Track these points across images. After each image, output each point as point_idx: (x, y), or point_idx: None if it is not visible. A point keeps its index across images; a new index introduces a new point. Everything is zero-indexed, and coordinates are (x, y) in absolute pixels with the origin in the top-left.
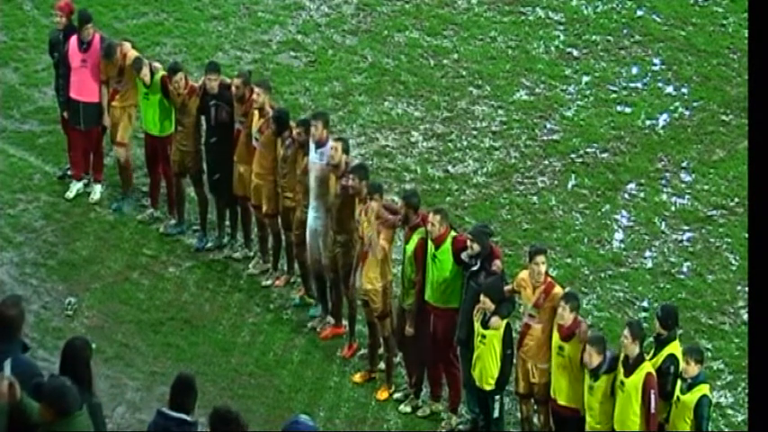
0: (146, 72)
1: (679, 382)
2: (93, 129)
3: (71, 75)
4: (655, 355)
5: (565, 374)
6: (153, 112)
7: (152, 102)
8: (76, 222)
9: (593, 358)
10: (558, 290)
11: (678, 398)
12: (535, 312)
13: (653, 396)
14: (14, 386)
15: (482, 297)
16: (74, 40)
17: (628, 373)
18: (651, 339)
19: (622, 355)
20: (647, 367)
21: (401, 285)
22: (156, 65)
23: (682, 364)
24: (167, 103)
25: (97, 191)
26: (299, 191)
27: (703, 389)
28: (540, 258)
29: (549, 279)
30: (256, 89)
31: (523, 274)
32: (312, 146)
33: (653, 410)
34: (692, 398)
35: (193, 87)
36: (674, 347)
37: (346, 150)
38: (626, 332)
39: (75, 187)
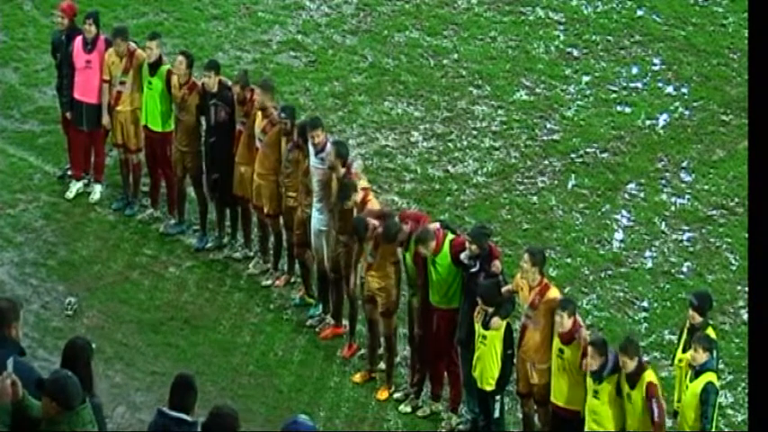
0: (152, 45)
1: (689, 371)
2: (97, 130)
3: (75, 76)
4: (691, 346)
5: (565, 377)
6: (154, 105)
7: (154, 93)
8: (77, 222)
9: (595, 360)
10: (553, 291)
11: (687, 387)
12: (531, 314)
13: (655, 405)
14: (17, 384)
15: (479, 301)
16: (79, 40)
17: (632, 386)
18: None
19: (624, 371)
20: (648, 377)
21: (408, 286)
22: (164, 59)
23: (690, 352)
24: (169, 97)
25: (97, 191)
26: (301, 190)
27: (709, 376)
28: (525, 257)
29: (545, 281)
30: (256, 90)
31: (519, 275)
32: (312, 150)
33: (656, 419)
34: (697, 386)
35: (194, 83)
36: (711, 333)
37: (343, 153)
38: (622, 356)
39: (75, 187)
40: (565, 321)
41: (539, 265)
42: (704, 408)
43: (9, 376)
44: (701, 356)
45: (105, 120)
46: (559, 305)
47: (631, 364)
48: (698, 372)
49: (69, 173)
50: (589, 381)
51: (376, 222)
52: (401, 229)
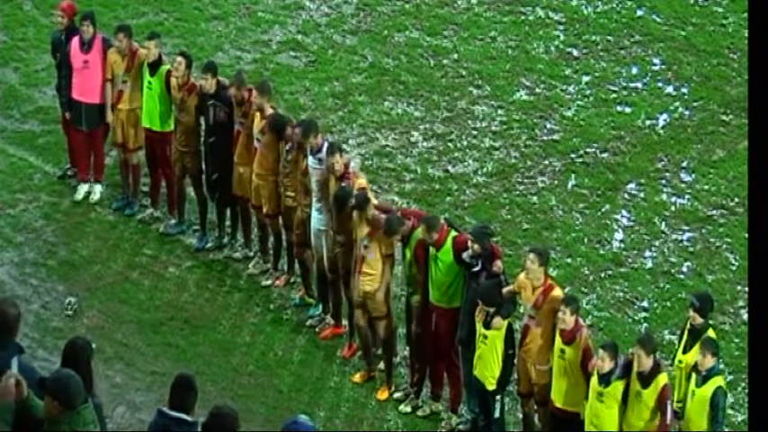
0: (150, 45)
1: (694, 376)
2: (95, 130)
3: (73, 76)
4: (692, 347)
5: (565, 378)
6: (153, 105)
7: (153, 93)
8: (77, 222)
9: (606, 363)
10: (557, 292)
11: (693, 392)
12: (534, 314)
13: (669, 407)
14: (21, 384)
15: (479, 302)
16: (75, 41)
17: (645, 385)
18: (683, 331)
19: (637, 369)
20: (664, 379)
21: (406, 285)
22: (164, 59)
23: (698, 356)
24: (168, 98)
25: (97, 191)
26: (300, 190)
27: (718, 380)
28: (531, 256)
29: (549, 281)
30: (254, 90)
31: (523, 275)
32: (308, 150)
33: (668, 422)
34: (707, 391)
35: (194, 84)
36: (711, 335)
37: (340, 151)
38: (639, 350)
39: (83, 189)
40: (567, 318)
41: (545, 265)
42: (716, 412)
43: (13, 376)
44: (709, 361)
45: (110, 118)
46: (562, 302)
47: (647, 362)
48: (705, 377)
49: (70, 173)
50: (594, 383)
51: (377, 212)
52: (404, 223)
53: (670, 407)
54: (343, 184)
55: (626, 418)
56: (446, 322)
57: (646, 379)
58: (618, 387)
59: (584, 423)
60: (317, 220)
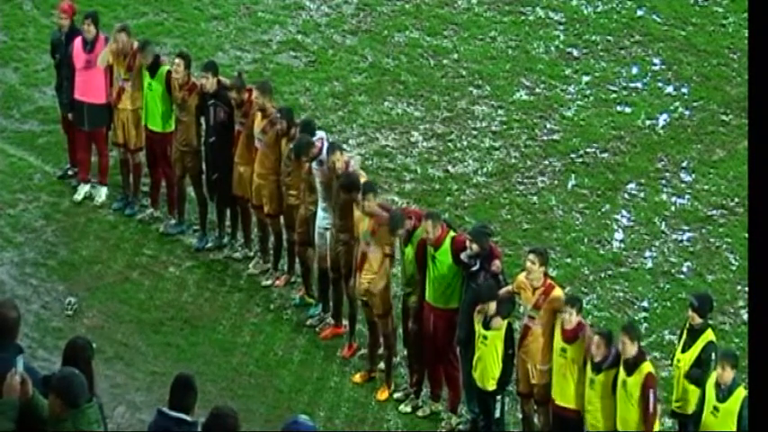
0: (148, 52)
1: (714, 390)
2: (98, 130)
3: (75, 76)
4: (690, 347)
5: (566, 376)
6: (154, 106)
7: (154, 94)
8: (77, 222)
9: (600, 349)
10: (557, 291)
11: (716, 407)
12: (535, 314)
13: (651, 396)
14: (27, 382)
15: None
16: (78, 41)
17: (629, 373)
18: (682, 331)
19: (623, 356)
20: (648, 367)
21: (404, 284)
22: (164, 59)
23: (718, 370)
24: (169, 98)
25: (102, 194)
26: (303, 189)
27: (742, 392)
28: (531, 257)
29: (549, 281)
30: (254, 92)
31: (523, 275)
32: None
33: (651, 410)
34: (734, 405)
35: (194, 84)
36: (710, 334)
37: (340, 150)
38: (623, 336)
39: (83, 190)
40: (573, 319)
41: (545, 266)
42: (743, 422)
43: (19, 373)
44: (729, 375)
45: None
46: (567, 302)
47: (632, 348)
48: (728, 391)
49: (70, 173)
50: (588, 369)
51: (379, 211)
52: (406, 219)
53: (653, 394)
54: (349, 171)
55: (617, 411)
56: (443, 323)
57: (631, 367)
58: (608, 375)
59: (585, 417)
60: (321, 218)
